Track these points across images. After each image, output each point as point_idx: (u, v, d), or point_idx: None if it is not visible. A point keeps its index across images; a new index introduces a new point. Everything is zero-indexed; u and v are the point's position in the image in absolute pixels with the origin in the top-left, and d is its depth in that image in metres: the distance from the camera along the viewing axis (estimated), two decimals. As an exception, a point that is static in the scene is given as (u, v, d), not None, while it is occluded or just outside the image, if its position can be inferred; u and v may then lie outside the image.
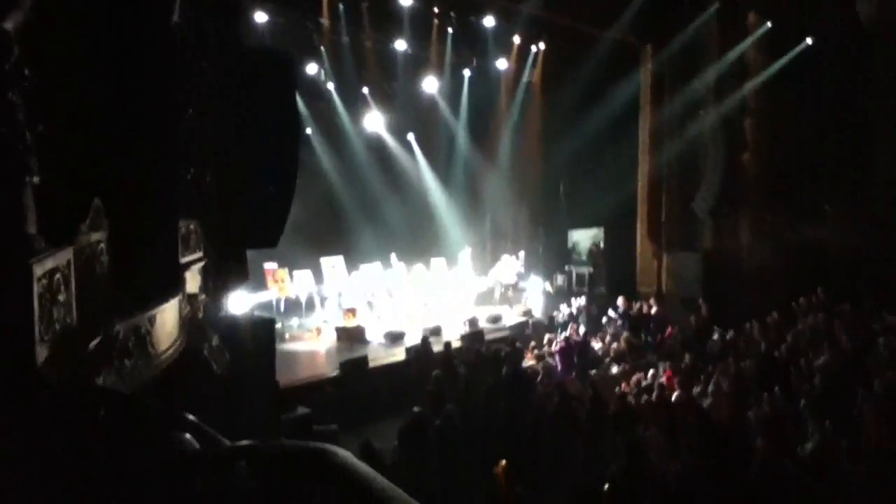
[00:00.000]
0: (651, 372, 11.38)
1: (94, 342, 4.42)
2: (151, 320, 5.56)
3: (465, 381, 10.73)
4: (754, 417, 8.67)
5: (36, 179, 4.08)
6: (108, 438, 1.56)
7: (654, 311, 15.74)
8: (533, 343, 13.75)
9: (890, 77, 17.39)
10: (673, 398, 9.87)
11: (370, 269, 17.51)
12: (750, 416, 8.68)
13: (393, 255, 18.29)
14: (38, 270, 3.82)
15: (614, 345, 13.58)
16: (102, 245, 5.72)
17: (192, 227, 8.48)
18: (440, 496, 6.80)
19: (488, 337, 14.79)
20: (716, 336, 13.42)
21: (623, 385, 10.81)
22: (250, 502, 1.44)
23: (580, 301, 16.97)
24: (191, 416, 1.88)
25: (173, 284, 6.29)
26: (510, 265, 19.66)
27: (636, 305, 16.11)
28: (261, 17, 14.25)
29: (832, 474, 6.92)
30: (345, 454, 1.48)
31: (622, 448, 7.77)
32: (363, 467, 1.48)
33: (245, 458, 1.60)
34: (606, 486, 6.78)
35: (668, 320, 15.44)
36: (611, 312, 15.79)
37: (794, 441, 8.43)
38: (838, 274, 16.84)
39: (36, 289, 3.77)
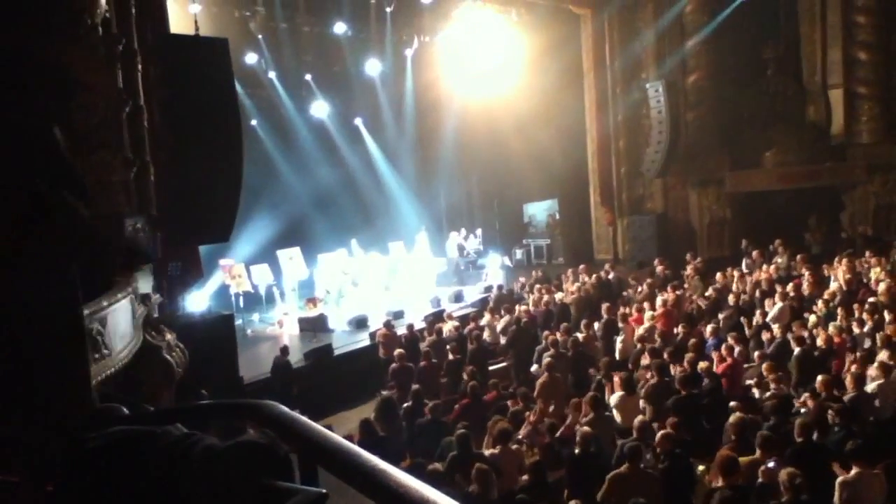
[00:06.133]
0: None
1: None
2: (102, 321, 5.42)
3: (429, 360, 10.75)
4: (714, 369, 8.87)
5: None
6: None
7: (611, 276, 15.91)
8: (492, 316, 13.81)
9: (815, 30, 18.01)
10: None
11: (332, 258, 17.34)
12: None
13: (353, 242, 18.18)
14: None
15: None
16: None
17: (139, 225, 8.30)
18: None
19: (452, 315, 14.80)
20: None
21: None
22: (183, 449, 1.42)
23: (537, 273, 17.16)
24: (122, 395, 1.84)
25: (115, 281, 6.11)
26: (457, 240, 19.83)
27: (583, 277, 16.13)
28: (194, 7, 13.91)
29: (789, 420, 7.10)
30: (281, 408, 1.46)
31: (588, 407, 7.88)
32: (300, 418, 1.47)
33: (178, 419, 1.58)
34: (578, 447, 6.87)
35: (625, 285, 15.66)
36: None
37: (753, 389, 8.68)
38: (785, 223, 17.33)
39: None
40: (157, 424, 1.52)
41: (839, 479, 5.64)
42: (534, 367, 10.55)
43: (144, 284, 8.28)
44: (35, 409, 1.57)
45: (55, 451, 1.46)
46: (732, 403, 7.88)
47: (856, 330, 9.99)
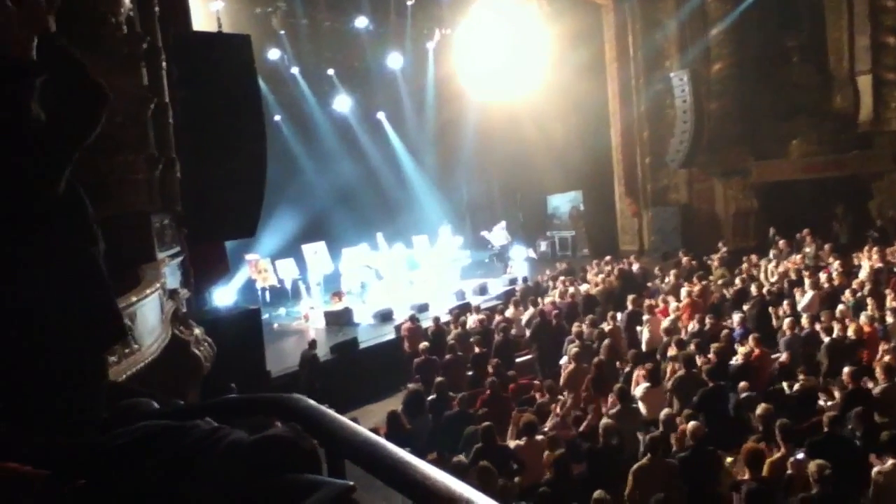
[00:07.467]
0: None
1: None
2: (132, 316, 5.50)
3: (454, 353, 10.75)
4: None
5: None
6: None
7: (635, 267, 15.82)
8: (519, 308, 13.79)
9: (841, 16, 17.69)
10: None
11: (356, 252, 17.42)
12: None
13: (379, 235, 18.24)
14: None
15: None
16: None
17: (165, 222, 8.41)
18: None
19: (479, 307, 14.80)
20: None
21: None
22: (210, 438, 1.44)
23: (562, 265, 17.12)
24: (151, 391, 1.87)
25: (143, 277, 6.21)
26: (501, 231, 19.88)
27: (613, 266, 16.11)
28: (216, 5, 14.01)
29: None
30: (308, 401, 1.48)
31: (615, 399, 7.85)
32: (326, 411, 1.49)
33: (207, 414, 1.60)
34: (601, 439, 6.85)
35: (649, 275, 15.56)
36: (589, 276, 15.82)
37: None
38: (812, 212, 17.11)
39: None
40: (185, 419, 1.54)
41: (875, 469, 5.58)
42: (563, 360, 10.50)
43: (172, 279, 8.40)
44: (59, 407, 1.59)
45: (82, 447, 1.48)
46: (743, 395, 7.75)
47: (889, 320, 9.83)
